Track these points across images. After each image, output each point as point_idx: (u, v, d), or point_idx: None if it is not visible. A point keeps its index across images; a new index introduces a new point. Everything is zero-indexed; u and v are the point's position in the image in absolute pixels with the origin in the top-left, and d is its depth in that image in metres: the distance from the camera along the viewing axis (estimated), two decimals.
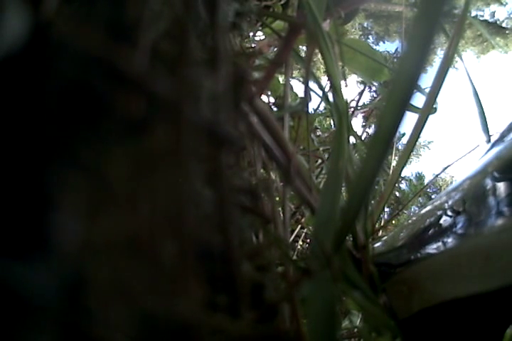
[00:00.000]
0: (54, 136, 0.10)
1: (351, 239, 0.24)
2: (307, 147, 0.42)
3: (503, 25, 3.95)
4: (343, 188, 0.21)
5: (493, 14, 4.02)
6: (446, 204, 0.25)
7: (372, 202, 0.32)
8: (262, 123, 0.23)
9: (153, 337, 0.10)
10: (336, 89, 0.24)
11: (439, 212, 0.25)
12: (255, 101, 0.23)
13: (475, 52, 4.06)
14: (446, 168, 0.56)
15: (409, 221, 0.30)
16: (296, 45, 0.32)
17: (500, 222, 0.19)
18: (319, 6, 0.25)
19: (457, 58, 0.34)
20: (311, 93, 0.32)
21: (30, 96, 0.10)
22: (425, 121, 0.30)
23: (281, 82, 0.47)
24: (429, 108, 0.30)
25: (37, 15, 0.10)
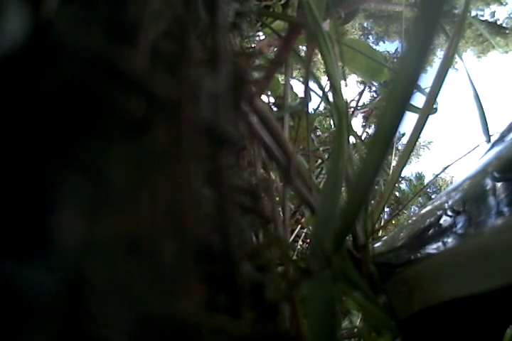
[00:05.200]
0: (54, 136, 0.10)
1: (351, 239, 0.24)
2: (307, 147, 0.42)
3: (503, 25, 3.95)
4: (343, 188, 0.21)
5: (493, 14, 4.03)
6: (446, 204, 0.25)
7: (372, 202, 0.32)
8: (262, 123, 0.23)
9: (154, 337, 0.10)
10: (336, 89, 0.24)
11: (439, 212, 0.25)
12: (255, 101, 0.23)
13: (475, 52, 4.06)
14: (446, 168, 0.56)
15: (409, 221, 0.30)
16: (296, 45, 0.32)
17: (500, 221, 0.19)
18: (319, 6, 0.25)
19: (457, 58, 0.34)
20: (311, 93, 0.32)
21: (30, 96, 0.10)
22: (425, 121, 0.30)
23: (281, 82, 0.47)
24: (429, 108, 0.30)
25: (37, 15, 0.10)
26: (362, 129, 1.02)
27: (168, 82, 0.12)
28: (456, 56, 0.31)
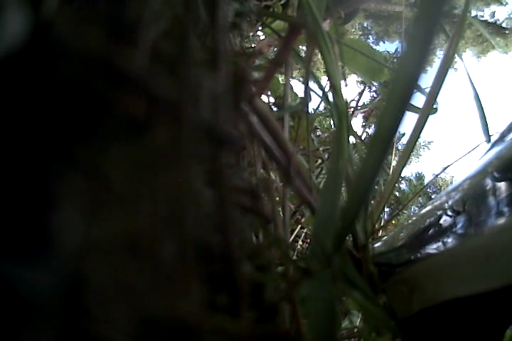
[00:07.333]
0: (55, 136, 0.10)
1: (351, 239, 0.24)
2: (307, 147, 0.42)
3: (503, 25, 3.95)
4: (343, 188, 0.21)
5: (493, 14, 4.03)
6: (446, 204, 0.25)
7: (372, 202, 0.32)
8: (262, 123, 0.23)
9: (154, 337, 0.10)
10: (335, 89, 0.24)
11: (439, 212, 0.25)
12: (255, 101, 0.23)
13: (475, 52, 4.06)
14: (446, 168, 0.56)
15: (409, 221, 0.30)
16: (296, 45, 0.32)
17: (500, 221, 0.19)
18: (319, 6, 0.25)
19: (457, 58, 0.34)
20: (311, 93, 0.32)
21: (30, 96, 0.10)
22: (425, 121, 0.30)
23: (281, 82, 0.47)
24: (429, 108, 0.30)
25: (37, 15, 0.10)
26: (362, 129, 1.02)
27: (168, 82, 0.12)
28: (456, 56, 0.31)
